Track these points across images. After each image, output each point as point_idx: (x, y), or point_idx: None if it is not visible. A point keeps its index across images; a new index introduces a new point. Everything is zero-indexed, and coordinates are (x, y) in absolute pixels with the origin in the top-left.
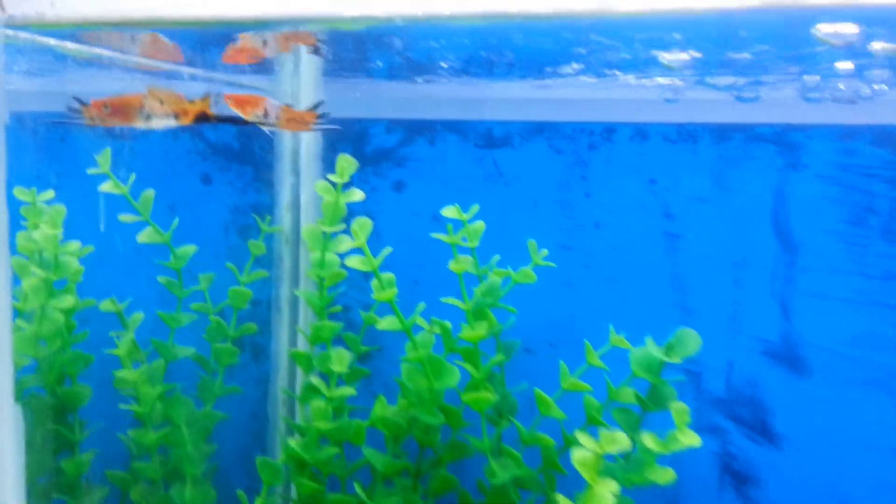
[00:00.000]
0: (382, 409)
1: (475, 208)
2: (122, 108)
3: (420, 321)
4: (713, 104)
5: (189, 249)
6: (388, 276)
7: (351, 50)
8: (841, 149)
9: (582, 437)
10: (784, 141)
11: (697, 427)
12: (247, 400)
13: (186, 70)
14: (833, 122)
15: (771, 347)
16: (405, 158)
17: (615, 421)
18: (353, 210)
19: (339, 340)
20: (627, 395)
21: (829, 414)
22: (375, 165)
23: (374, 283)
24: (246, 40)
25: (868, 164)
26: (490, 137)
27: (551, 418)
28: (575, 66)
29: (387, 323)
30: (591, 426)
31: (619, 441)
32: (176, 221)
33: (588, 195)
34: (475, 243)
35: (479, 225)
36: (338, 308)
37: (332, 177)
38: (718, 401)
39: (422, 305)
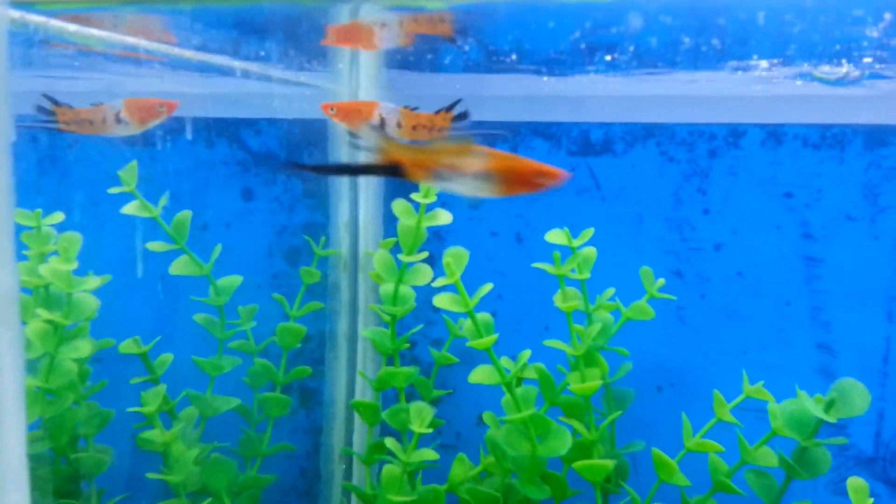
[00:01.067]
0: (464, 472)
1: (589, 232)
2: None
3: (518, 371)
4: (865, 101)
5: (233, 281)
6: (484, 316)
7: (418, 41)
8: None
9: None
10: None
11: (839, 490)
12: (293, 455)
13: (219, 61)
14: None
15: None
16: None
17: (750, 487)
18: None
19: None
20: (768, 457)
21: None
22: None
23: (467, 325)
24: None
25: None
26: (586, 143)
27: (671, 484)
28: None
29: (482, 375)
30: (719, 493)
31: None
32: (218, 249)
33: (707, 212)
34: (586, 275)
35: (591, 252)
36: (406, 346)
37: (416, 196)
38: (866, 460)
39: (527, 352)
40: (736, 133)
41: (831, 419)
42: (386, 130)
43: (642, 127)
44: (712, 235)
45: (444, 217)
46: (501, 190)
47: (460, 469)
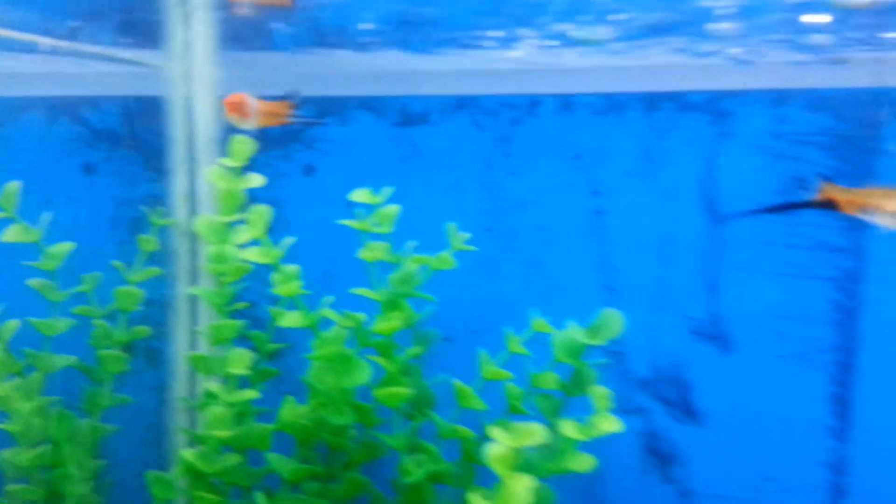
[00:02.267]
0: (290, 411)
1: (388, 191)
2: None
3: (332, 315)
4: (641, 71)
5: (63, 248)
6: (290, 268)
7: (251, 19)
8: (774, 115)
9: (495, 432)
10: (715, 109)
11: (622, 409)
12: (143, 410)
13: (45, 41)
14: (766, 88)
15: (697, 325)
16: (315, 140)
17: (537, 408)
18: (259, 197)
19: (245, 340)
20: (550, 381)
21: (755, 389)
22: (283, 148)
23: (275, 276)
24: None
25: (801, 130)
26: (406, 115)
27: (472, 410)
28: (498, 33)
29: (291, 319)
30: (513, 415)
31: (534, 434)
32: (47, 217)
33: (512, 173)
34: (388, 229)
35: (393, 209)
36: (244, 305)
37: (225, 161)
38: (643, 381)
39: (329, 298)
40: (534, 103)
41: (596, 342)
42: (248, 120)
43: (455, 99)
44: (517, 195)
45: (255, 180)
46: None
47: (287, 410)
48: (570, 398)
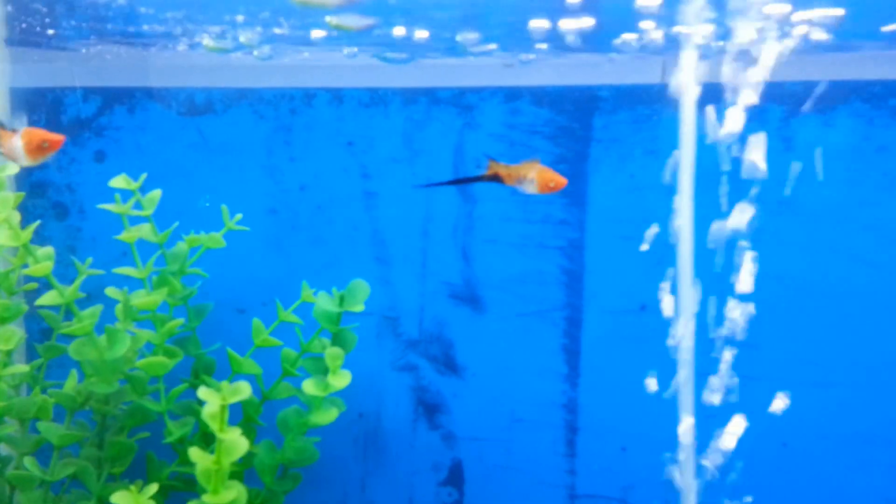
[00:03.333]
0: (69, 383)
1: (143, 176)
2: None
3: (115, 293)
4: (400, 70)
5: None
6: (45, 250)
7: (37, 14)
8: (508, 109)
9: (203, 392)
10: (461, 103)
11: (397, 367)
12: None
13: None
14: (501, 85)
15: (455, 290)
16: (104, 128)
17: (307, 371)
18: (52, 181)
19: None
20: (316, 345)
21: (503, 344)
22: (74, 136)
23: (28, 258)
24: None
25: (531, 122)
26: (192, 105)
27: (248, 374)
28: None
29: (47, 298)
30: (288, 378)
31: (240, 391)
32: None
33: (293, 159)
34: (150, 211)
35: (156, 193)
36: (32, 286)
37: None
38: (413, 341)
39: (81, 276)
40: (309, 95)
41: (348, 309)
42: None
43: (237, 91)
44: (298, 178)
45: (10, 168)
46: (541, 190)
47: (69, 382)
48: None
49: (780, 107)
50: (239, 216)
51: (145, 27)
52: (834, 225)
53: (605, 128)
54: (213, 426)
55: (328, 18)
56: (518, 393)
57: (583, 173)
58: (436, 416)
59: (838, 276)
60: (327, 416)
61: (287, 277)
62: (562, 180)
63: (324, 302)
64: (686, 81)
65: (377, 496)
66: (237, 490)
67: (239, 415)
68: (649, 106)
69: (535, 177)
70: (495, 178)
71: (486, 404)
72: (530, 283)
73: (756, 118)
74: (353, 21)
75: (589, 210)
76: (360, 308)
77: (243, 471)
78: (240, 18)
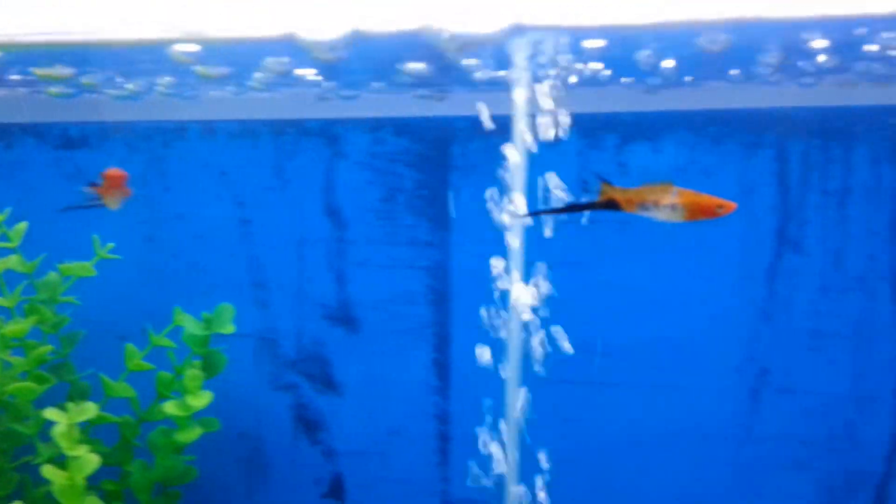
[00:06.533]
0: None
1: (8, 211)
2: None
3: None
4: (267, 102)
5: None
6: None
7: None
8: (373, 139)
9: (50, 412)
10: (329, 133)
11: (276, 386)
12: None
13: None
14: (365, 116)
15: (330, 311)
16: None
17: (180, 392)
18: None
19: None
20: (188, 368)
21: (378, 361)
22: None
23: None
24: None
25: (394, 150)
26: (68, 139)
27: (122, 398)
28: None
29: None
30: (163, 399)
31: (87, 411)
32: None
33: (168, 189)
34: (16, 242)
35: (22, 225)
36: None
37: None
38: (291, 361)
39: None
40: (182, 128)
41: (209, 332)
42: None
43: (111, 125)
44: (174, 207)
45: None
46: (686, 217)
47: None
48: (209, 380)
49: (614, 135)
50: (111, 245)
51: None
52: (665, 239)
53: (463, 155)
54: (63, 444)
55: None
56: (394, 407)
57: (444, 198)
58: (316, 432)
59: (671, 286)
60: (191, 434)
61: (166, 304)
62: (727, 203)
63: (191, 326)
64: (517, 116)
65: None
66: None
67: (116, 437)
68: (500, 135)
69: (682, 202)
70: (612, 206)
71: (364, 419)
72: (401, 303)
73: (595, 145)
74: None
75: (452, 232)
76: (228, 330)
77: (122, 490)
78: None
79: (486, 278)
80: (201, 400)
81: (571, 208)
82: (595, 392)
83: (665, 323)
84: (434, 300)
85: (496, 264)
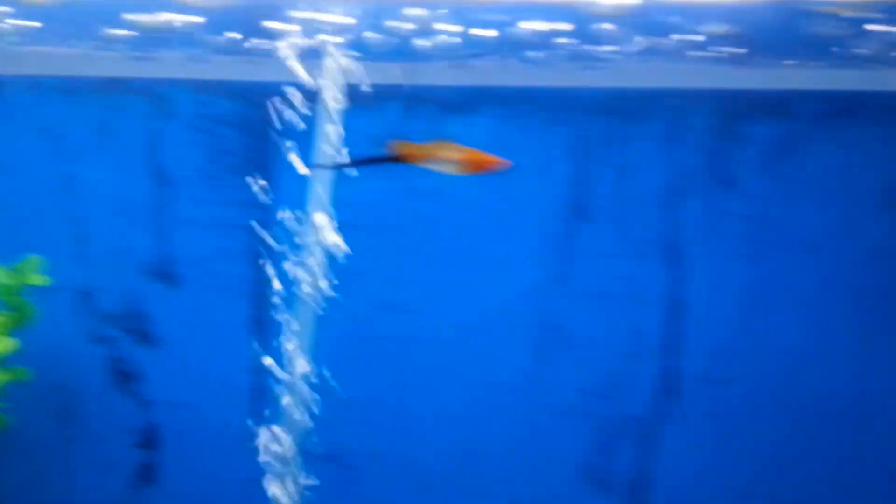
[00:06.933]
0: None
1: None
2: None
3: None
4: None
5: None
6: None
7: None
8: (199, 101)
9: None
10: (154, 93)
11: (94, 339)
12: None
13: None
14: (191, 78)
15: (151, 267)
16: None
17: None
18: None
19: None
20: None
21: (197, 316)
22: None
23: None
24: None
25: (219, 113)
26: None
27: None
28: None
29: None
30: None
31: None
32: None
33: None
34: None
35: None
36: None
37: None
38: (110, 315)
39: None
40: (3, 83)
41: (18, 282)
42: None
43: None
44: None
45: None
46: (465, 171)
47: None
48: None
49: (435, 107)
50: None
51: None
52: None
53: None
54: None
55: None
56: (211, 360)
57: (266, 159)
58: (132, 384)
59: (474, 250)
60: None
61: None
62: (500, 160)
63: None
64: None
65: (77, 462)
66: None
67: None
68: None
69: (460, 158)
70: (400, 159)
71: (183, 371)
72: (221, 260)
73: (417, 115)
74: None
75: (273, 192)
76: (37, 281)
77: None
78: None
79: (304, 235)
80: (4, 344)
81: (363, 161)
82: (396, 345)
83: (467, 285)
84: (251, 259)
85: (317, 219)
